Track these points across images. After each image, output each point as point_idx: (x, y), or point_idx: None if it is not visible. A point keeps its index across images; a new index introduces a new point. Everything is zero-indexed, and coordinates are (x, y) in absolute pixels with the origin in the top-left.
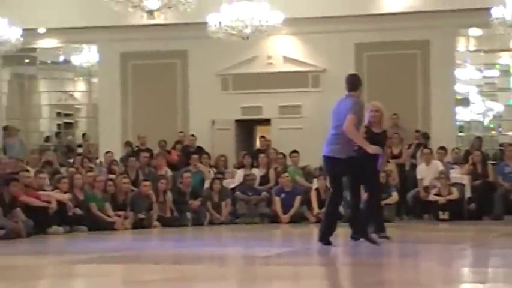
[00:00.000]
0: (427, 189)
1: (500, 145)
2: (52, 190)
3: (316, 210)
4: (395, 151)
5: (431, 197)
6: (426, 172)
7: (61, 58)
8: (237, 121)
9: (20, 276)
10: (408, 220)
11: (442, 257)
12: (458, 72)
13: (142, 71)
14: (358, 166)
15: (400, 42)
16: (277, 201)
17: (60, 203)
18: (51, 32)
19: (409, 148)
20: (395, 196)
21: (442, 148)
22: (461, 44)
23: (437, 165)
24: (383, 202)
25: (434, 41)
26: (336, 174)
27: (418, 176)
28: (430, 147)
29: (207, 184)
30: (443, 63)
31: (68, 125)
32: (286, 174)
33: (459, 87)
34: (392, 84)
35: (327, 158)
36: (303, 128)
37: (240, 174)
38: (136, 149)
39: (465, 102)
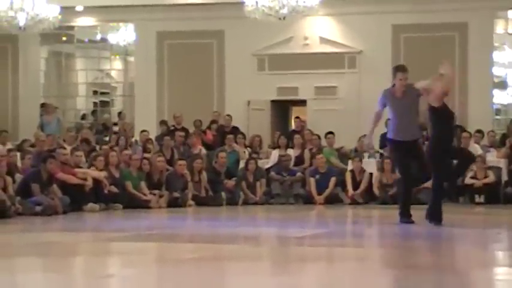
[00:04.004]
0: None
1: None
2: (88, 168)
3: (350, 191)
4: None
5: (467, 180)
6: None
7: (98, 36)
8: (273, 101)
9: (57, 253)
10: (444, 203)
11: (477, 241)
12: (496, 55)
13: (179, 50)
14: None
15: (437, 24)
16: (311, 182)
17: (96, 181)
18: (88, 10)
19: None
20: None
21: (479, 131)
22: (499, 27)
23: (476, 149)
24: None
25: (472, 23)
26: None
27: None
28: (468, 130)
29: (242, 164)
30: (481, 45)
31: (104, 104)
32: (321, 155)
33: (497, 70)
34: (429, 67)
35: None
36: (338, 110)
37: (275, 154)
38: (172, 128)
39: (502, 85)
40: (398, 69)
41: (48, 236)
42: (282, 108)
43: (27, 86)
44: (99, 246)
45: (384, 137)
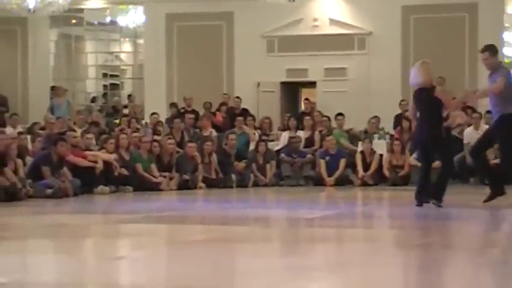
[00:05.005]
0: None
1: None
2: (98, 150)
3: (361, 173)
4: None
5: None
6: (475, 136)
7: (107, 19)
8: (282, 83)
9: (68, 235)
10: (454, 184)
11: (487, 221)
12: (506, 35)
13: (188, 32)
14: None
15: (447, 5)
16: (321, 163)
17: (106, 163)
18: None
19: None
20: None
21: (489, 112)
22: (510, 7)
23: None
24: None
25: (482, 3)
26: None
27: (465, 140)
28: (478, 111)
29: (252, 146)
30: (491, 26)
31: (114, 86)
32: (331, 137)
33: (507, 51)
34: (440, 48)
35: None
36: (348, 91)
37: (285, 136)
38: (182, 110)
39: None
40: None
41: (59, 218)
42: (291, 90)
43: (36, 68)
44: (109, 228)
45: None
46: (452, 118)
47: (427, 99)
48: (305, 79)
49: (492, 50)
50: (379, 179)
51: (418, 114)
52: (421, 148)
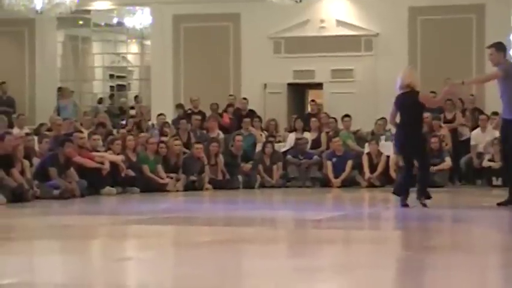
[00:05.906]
0: (480, 155)
1: None
2: (105, 151)
3: (367, 174)
4: (449, 116)
5: (485, 163)
6: (482, 138)
7: (114, 20)
8: (289, 85)
9: (74, 235)
10: (461, 186)
11: (494, 223)
12: None
13: (195, 33)
14: None
15: (454, 6)
16: (328, 165)
17: (113, 164)
18: None
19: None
20: (448, 161)
21: (496, 113)
22: None
23: (494, 131)
24: (436, 168)
25: (489, 5)
26: None
27: (472, 142)
28: (485, 113)
29: (258, 147)
30: (498, 27)
31: (121, 87)
32: (338, 138)
33: None
34: (447, 49)
35: None
36: (354, 92)
37: (291, 137)
38: (189, 111)
39: None
40: None
41: (66, 219)
42: (298, 92)
43: (43, 70)
44: (116, 229)
45: None
46: (459, 119)
47: (410, 103)
48: (312, 80)
49: (498, 46)
50: (385, 180)
51: (398, 118)
52: (402, 151)
